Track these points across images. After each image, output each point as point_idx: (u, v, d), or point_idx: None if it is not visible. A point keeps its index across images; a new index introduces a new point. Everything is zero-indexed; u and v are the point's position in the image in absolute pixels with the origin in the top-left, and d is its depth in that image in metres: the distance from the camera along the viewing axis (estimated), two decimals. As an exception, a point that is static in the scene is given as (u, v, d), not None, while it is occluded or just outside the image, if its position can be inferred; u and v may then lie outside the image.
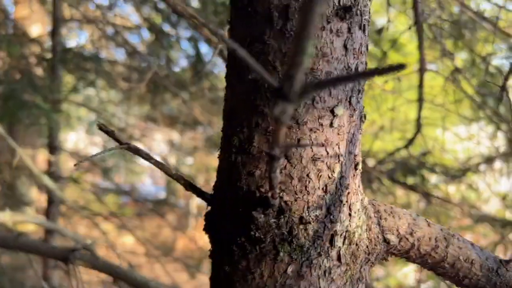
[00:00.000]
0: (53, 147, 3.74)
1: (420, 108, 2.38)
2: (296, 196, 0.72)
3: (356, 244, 0.78)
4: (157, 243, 4.93)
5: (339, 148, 0.75)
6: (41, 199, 4.61)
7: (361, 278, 0.80)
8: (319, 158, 0.73)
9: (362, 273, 0.80)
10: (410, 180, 3.16)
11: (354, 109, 0.76)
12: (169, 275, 4.03)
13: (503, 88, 1.19)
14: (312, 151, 0.73)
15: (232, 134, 0.76)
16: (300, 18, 0.34)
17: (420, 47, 2.04)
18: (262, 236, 0.72)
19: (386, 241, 0.83)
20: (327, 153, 0.74)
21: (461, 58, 3.48)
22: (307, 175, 0.73)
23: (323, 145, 0.73)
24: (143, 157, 0.80)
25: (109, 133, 0.80)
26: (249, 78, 0.73)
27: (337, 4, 0.72)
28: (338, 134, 0.74)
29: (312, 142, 0.72)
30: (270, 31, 0.72)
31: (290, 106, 0.42)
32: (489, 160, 3.43)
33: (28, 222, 2.29)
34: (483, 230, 3.46)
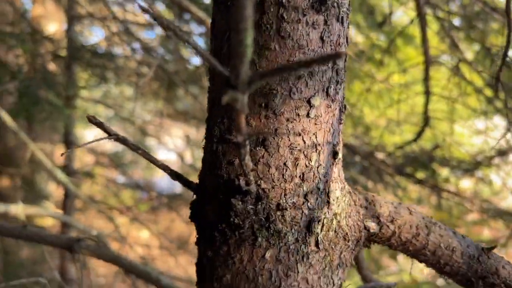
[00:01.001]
0: (69, 142, 3.84)
1: (427, 101, 2.37)
2: (274, 183, 0.75)
3: (335, 231, 0.80)
4: (172, 237, 5.00)
5: (316, 137, 0.77)
6: (59, 193, 4.72)
7: (341, 264, 0.82)
8: (296, 147, 0.75)
9: (342, 259, 0.82)
10: (420, 174, 3.15)
11: (332, 100, 0.78)
12: (183, 267, 4.10)
13: (497, 79, 1.19)
14: (289, 140, 0.75)
15: (213, 124, 0.79)
16: (235, 12, 0.37)
17: (424, 39, 2.03)
18: (240, 222, 0.75)
19: (366, 228, 0.85)
20: (304, 142, 0.76)
21: (473, 50, 3.44)
22: (284, 164, 0.75)
23: (300, 135, 0.75)
24: (130, 148, 0.83)
25: (99, 125, 0.83)
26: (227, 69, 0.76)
27: (312, -3, 0.74)
28: (315, 124, 0.77)
29: (289, 131, 0.75)
30: (247, 25, 0.74)
31: (239, 95, 0.45)
32: (502, 153, 3.39)
33: (40, 215, 2.36)
34: (495, 224, 3.43)
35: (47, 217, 3.90)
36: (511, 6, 1.04)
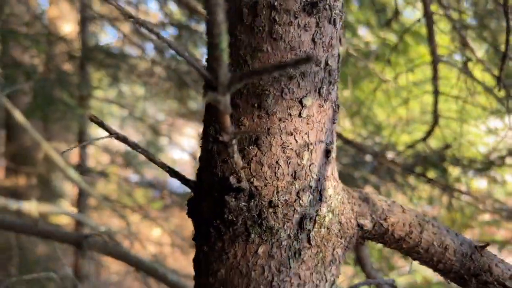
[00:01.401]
0: (82, 142, 3.90)
1: (436, 101, 2.37)
2: (266, 181, 0.77)
3: (327, 228, 0.82)
4: (184, 235, 5.05)
5: (308, 136, 0.79)
6: (74, 192, 4.81)
7: (334, 260, 0.84)
8: (288, 146, 0.77)
9: (335, 255, 0.84)
10: (431, 174, 3.13)
11: (325, 100, 0.80)
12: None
13: (499, 78, 1.19)
14: (282, 139, 0.77)
15: (209, 124, 0.82)
16: (208, 18, 0.39)
17: (431, 38, 2.03)
18: (234, 219, 0.77)
19: (359, 225, 0.86)
20: (296, 142, 0.78)
21: (485, 48, 3.41)
22: (277, 162, 0.77)
23: (292, 134, 0.77)
24: (130, 146, 0.86)
25: (100, 124, 0.86)
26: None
27: (304, 0, 0.76)
28: (308, 123, 0.78)
29: (281, 131, 0.77)
30: (241, 27, 0.77)
31: (220, 96, 0.47)
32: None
33: (53, 212, 2.42)
34: (508, 225, 3.40)
35: (62, 214, 3.98)
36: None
